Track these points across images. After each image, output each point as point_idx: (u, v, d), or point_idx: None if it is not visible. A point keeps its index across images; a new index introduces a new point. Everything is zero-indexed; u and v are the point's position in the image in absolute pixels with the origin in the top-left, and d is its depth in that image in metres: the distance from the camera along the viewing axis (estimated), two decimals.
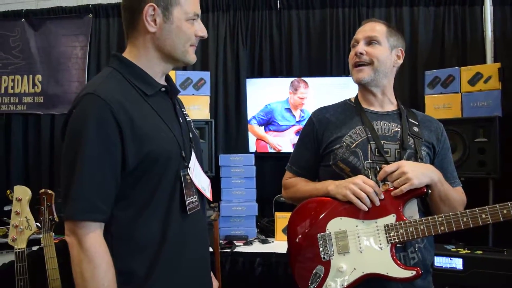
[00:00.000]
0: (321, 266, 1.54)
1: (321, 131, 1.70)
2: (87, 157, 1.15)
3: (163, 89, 1.35)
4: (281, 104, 3.39)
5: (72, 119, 1.20)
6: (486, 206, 1.43)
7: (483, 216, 1.42)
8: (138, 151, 1.21)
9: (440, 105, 3.15)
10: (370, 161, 1.59)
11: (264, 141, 3.41)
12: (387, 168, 1.51)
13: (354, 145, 1.61)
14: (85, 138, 1.16)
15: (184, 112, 1.47)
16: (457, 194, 1.64)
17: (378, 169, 1.56)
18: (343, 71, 3.42)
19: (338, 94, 3.25)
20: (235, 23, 3.60)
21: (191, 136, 1.41)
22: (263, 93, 3.42)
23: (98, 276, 1.15)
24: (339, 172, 1.62)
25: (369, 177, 1.56)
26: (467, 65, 3.18)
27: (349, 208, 1.54)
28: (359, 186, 1.50)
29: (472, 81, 3.09)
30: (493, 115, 2.88)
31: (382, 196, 1.51)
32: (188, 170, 1.33)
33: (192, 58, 1.35)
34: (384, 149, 1.59)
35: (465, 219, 1.43)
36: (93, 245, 1.16)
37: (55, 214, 2.12)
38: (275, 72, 3.58)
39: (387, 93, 1.71)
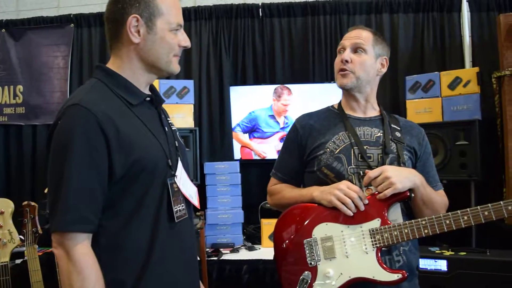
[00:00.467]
0: (308, 272, 1.55)
1: (305, 137, 1.72)
2: (74, 169, 1.15)
3: (148, 98, 1.35)
4: (265, 111, 3.40)
5: (57, 131, 1.20)
6: (468, 209, 1.45)
7: (465, 218, 1.44)
8: (125, 160, 1.21)
9: (421, 110, 3.21)
10: (354, 166, 1.60)
11: (248, 148, 3.42)
12: (371, 173, 1.53)
13: (337, 150, 1.63)
14: (71, 150, 1.15)
15: (169, 121, 1.47)
16: (439, 197, 1.67)
17: (361, 174, 1.58)
18: (326, 78, 3.46)
19: (321, 100, 3.26)
20: (217, 31, 3.62)
21: (177, 144, 1.41)
22: (246, 101, 3.43)
23: None
24: (324, 177, 1.63)
25: (353, 182, 1.58)
26: (447, 70, 3.25)
27: (334, 214, 1.55)
28: (343, 192, 1.52)
29: (452, 86, 3.16)
30: (473, 119, 2.94)
31: (367, 201, 1.53)
32: (175, 179, 1.33)
33: (175, 68, 1.36)
34: (367, 154, 1.61)
35: (447, 222, 1.46)
36: (81, 256, 1.15)
37: (38, 226, 2.09)
38: (258, 80, 3.60)
39: (370, 100, 1.73)
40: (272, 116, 3.40)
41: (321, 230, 1.56)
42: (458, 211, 1.46)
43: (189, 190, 1.42)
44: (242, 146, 3.43)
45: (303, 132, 1.73)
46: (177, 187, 1.34)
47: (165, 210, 1.29)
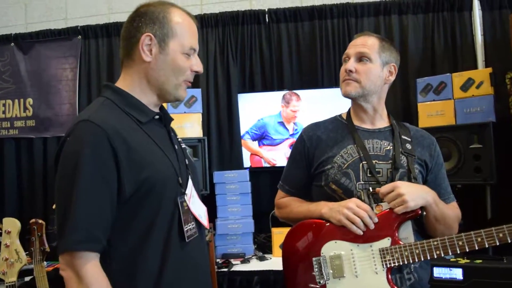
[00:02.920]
0: None
1: (312, 149, 1.68)
2: (83, 186, 1.13)
3: (157, 116, 1.34)
4: (273, 118, 3.37)
5: (67, 147, 1.19)
6: (482, 230, 1.40)
7: (479, 239, 1.40)
8: (135, 178, 1.19)
9: (433, 113, 3.13)
10: (362, 182, 1.56)
11: (258, 155, 3.39)
12: (383, 189, 1.49)
13: (345, 165, 1.59)
14: (80, 167, 1.13)
15: (179, 139, 1.48)
16: (451, 211, 1.62)
17: (370, 190, 1.54)
18: (335, 82, 3.40)
19: (330, 105, 3.25)
20: (224, 38, 3.59)
21: (187, 162, 1.41)
22: (255, 108, 3.40)
23: None
24: (332, 193, 1.60)
25: (361, 198, 1.53)
26: (459, 71, 3.17)
27: (344, 231, 1.52)
28: (352, 211, 1.48)
29: (464, 87, 3.08)
30: (487, 121, 2.86)
31: (376, 219, 1.49)
32: (185, 197, 1.32)
33: (183, 93, 1.35)
34: (376, 169, 1.57)
35: (460, 243, 1.42)
36: (93, 276, 1.13)
37: (46, 245, 2.09)
38: (266, 86, 3.56)
39: (378, 110, 1.68)
40: (281, 123, 3.36)
41: (330, 248, 1.53)
42: (472, 232, 1.41)
43: (199, 209, 1.40)
44: (251, 154, 3.40)
45: (310, 143, 1.69)
46: (187, 205, 1.32)
47: (176, 230, 1.27)
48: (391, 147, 1.61)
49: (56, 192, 1.18)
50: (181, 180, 1.31)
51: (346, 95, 1.66)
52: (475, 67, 3.25)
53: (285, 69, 3.54)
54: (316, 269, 1.54)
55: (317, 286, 1.53)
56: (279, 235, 3.00)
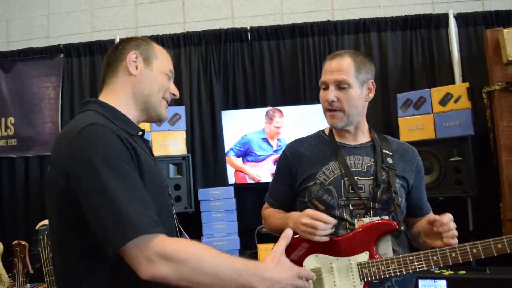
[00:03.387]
0: None
1: (295, 166, 1.69)
2: (120, 177, 1.11)
3: (140, 132, 1.36)
4: (257, 134, 3.39)
5: (84, 150, 1.12)
6: (457, 246, 1.43)
7: (453, 255, 1.42)
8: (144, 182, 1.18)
9: (413, 127, 3.20)
10: (344, 198, 1.58)
11: (242, 172, 3.40)
12: (445, 219, 1.47)
13: (327, 182, 1.60)
14: (110, 161, 1.11)
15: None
16: None
17: (351, 206, 1.56)
18: (316, 98, 3.42)
19: (313, 121, 3.27)
20: (207, 56, 3.63)
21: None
22: (239, 125, 3.42)
23: (210, 261, 1.10)
24: (315, 209, 1.59)
25: (343, 215, 1.56)
26: (437, 86, 3.26)
27: (323, 245, 1.53)
28: (308, 225, 1.49)
29: (443, 102, 3.16)
30: (465, 134, 2.94)
31: (334, 221, 1.50)
32: (173, 207, 1.39)
33: (164, 112, 1.40)
34: (358, 185, 1.58)
35: (435, 258, 1.44)
36: (175, 247, 1.09)
37: (29, 266, 2.05)
38: (249, 103, 3.60)
39: (360, 126, 1.69)
40: (265, 139, 3.39)
41: (311, 262, 1.55)
42: (446, 248, 1.44)
43: None
44: (236, 171, 3.41)
45: (292, 159, 1.71)
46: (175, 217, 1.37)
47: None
48: (372, 163, 1.63)
49: (93, 194, 1.10)
50: (170, 191, 1.36)
51: (333, 127, 1.68)
52: (452, 82, 3.34)
53: (268, 86, 3.58)
54: None
55: None
56: (265, 251, 3.00)
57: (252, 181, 3.39)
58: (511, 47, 2.85)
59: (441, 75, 3.42)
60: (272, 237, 3.35)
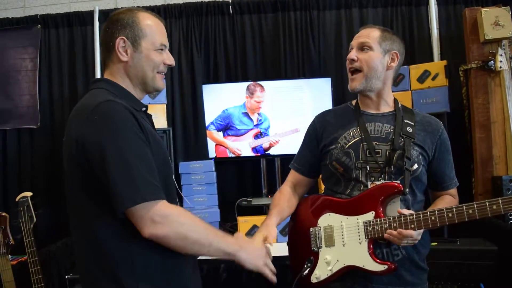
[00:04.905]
0: (312, 257, 1.72)
1: (321, 131, 1.85)
2: (133, 147, 1.26)
3: (144, 108, 1.49)
4: (238, 108, 3.40)
5: (96, 122, 1.27)
6: (454, 206, 1.55)
7: (450, 215, 1.54)
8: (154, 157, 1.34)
9: None
10: (362, 161, 1.71)
11: (223, 146, 3.42)
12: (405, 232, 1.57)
13: (347, 146, 1.74)
14: (121, 131, 1.26)
15: None
16: (447, 204, 1.71)
17: (368, 168, 1.68)
18: (298, 74, 3.48)
19: (294, 96, 3.32)
20: (188, 29, 3.59)
21: None
22: (220, 99, 3.42)
23: (205, 225, 1.35)
24: (334, 171, 1.76)
25: (359, 176, 1.69)
26: (416, 63, 3.30)
27: (336, 205, 1.72)
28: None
29: (421, 79, 3.21)
30: (442, 111, 3.00)
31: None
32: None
33: (160, 84, 1.51)
34: (376, 150, 1.70)
35: (433, 218, 1.55)
36: (175, 211, 1.30)
37: (10, 237, 2.06)
38: (230, 77, 3.59)
39: (382, 95, 1.80)
40: (246, 114, 3.40)
41: (325, 220, 1.73)
42: (444, 208, 1.55)
43: None
44: (216, 145, 3.43)
45: (319, 126, 1.87)
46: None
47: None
48: (392, 130, 1.74)
49: (109, 159, 1.23)
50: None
51: (352, 91, 1.81)
52: (431, 59, 3.39)
53: (249, 60, 3.58)
54: (312, 238, 1.74)
55: (312, 253, 1.73)
56: (244, 223, 3.05)
57: (233, 155, 3.42)
58: (488, 26, 2.90)
59: (420, 52, 3.46)
60: (252, 210, 3.42)
